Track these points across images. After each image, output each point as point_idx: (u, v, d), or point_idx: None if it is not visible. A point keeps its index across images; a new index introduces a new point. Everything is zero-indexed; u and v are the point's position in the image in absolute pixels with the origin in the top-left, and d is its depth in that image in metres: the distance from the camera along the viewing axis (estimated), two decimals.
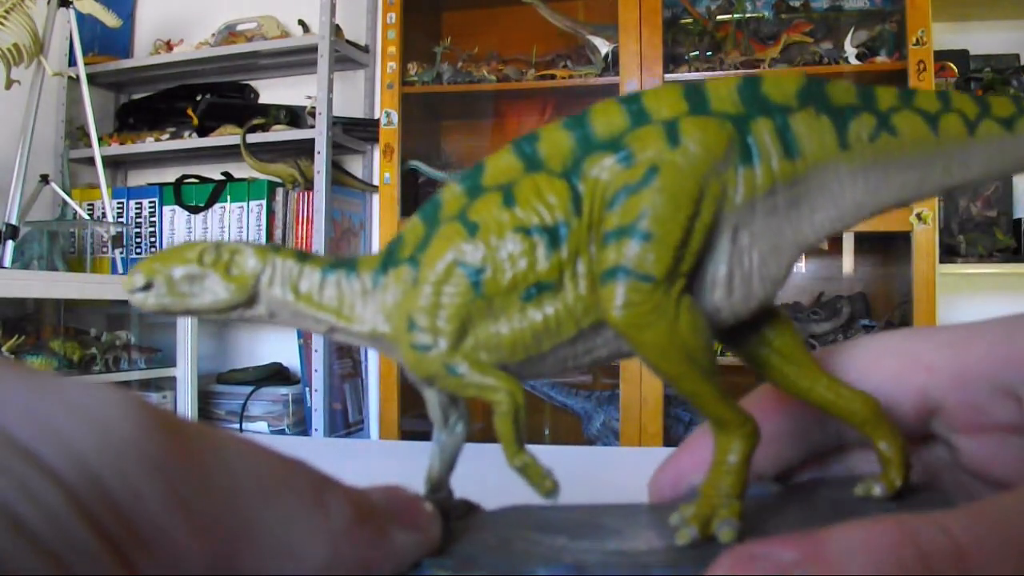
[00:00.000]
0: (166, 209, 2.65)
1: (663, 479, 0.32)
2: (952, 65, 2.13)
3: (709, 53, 2.20)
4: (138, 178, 2.88)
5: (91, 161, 2.39)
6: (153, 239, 2.64)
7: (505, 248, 0.26)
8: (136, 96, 2.89)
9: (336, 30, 2.43)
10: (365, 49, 2.60)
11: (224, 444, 0.20)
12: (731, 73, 2.12)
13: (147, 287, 0.28)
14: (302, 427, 2.43)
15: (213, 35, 2.63)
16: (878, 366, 0.30)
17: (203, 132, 2.59)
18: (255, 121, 2.51)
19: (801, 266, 2.28)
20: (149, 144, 2.65)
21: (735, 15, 2.22)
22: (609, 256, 0.25)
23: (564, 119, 0.27)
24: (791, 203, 0.27)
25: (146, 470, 0.18)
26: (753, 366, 0.29)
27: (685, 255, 0.25)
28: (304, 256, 0.29)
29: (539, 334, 0.26)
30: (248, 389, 2.45)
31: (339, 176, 2.50)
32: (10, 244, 2.19)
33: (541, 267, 0.26)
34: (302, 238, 2.46)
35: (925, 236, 1.98)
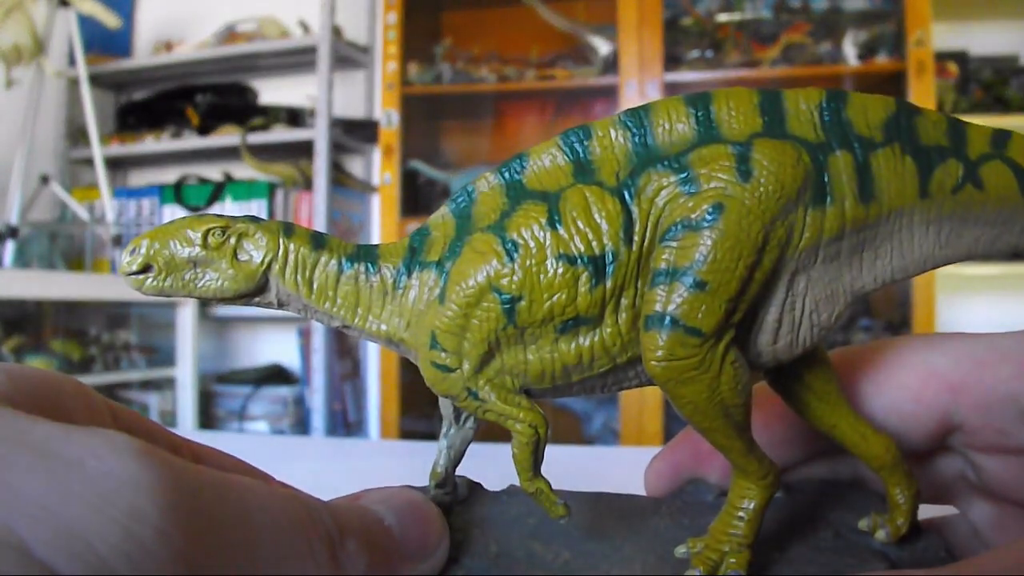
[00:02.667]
0: (166, 209, 2.65)
1: (660, 470, 0.31)
2: (952, 65, 2.13)
3: (709, 53, 2.20)
4: (138, 178, 2.88)
5: (91, 161, 2.39)
6: None
7: (545, 276, 0.24)
8: (136, 96, 2.89)
9: (336, 30, 2.43)
10: (365, 49, 2.60)
11: (242, 496, 0.19)
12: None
13: (145, 270, 0.26)
14: (302, 427, 2.43)
15: (213, 35, 2.63)
16: (899, 381, 0.28)
17: (203, 132, 2.59)
18: (255, 121, 2.51)
19: None
20: (149, 144, 2.65)
21: (735, 16, 2.22)
22: (657, 299, 0.23)
23: (622, 113, 0.25)
24: (855, 249, 0.25)
25: (170, 566, 0.16)
26: (780, 394, 0.28)
27: (739, 306, 0.23)
28: (320, 242, 0.26)
29: (569, 367, 0.25)
30: (248, 389, 2.45)
31: (339, 176, 2.50)
32: (10, 244, 2.19)
33: (582, 301, 0.24)
34: None
35: None
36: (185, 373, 2.30)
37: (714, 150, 0.23)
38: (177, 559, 0.17)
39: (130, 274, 0.26)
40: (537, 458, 0.25)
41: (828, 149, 0.24)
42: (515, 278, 0.24)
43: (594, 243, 0.24)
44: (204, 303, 2.36)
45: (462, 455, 0.28)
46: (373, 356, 2.49)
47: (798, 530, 0.28)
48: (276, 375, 2.54)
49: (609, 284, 0.24)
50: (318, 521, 0.21)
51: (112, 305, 2.41)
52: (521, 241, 0.24)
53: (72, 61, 2.43)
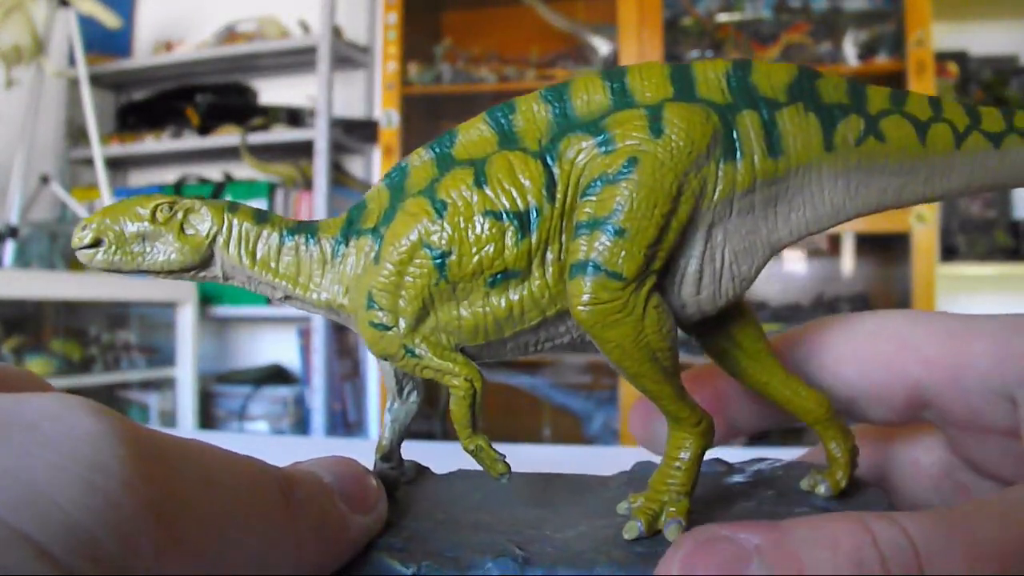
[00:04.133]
0: None
1: (638, 415, 0.32)
2: (952, 65, 2.13)
3: (709, 54, 2.20)
4: (138, 178, 2.88)
5: (91, 161, 2.39)
6: None
7: (473, 232, 0.25)
8: (136, 96, 2.89)
9: (336, 30, 2.43)
10: (365, 49, 2.60)
11: (202, 452, 0.20)
12: None
13: (96, 244, 0.27)
14: (302, 427, 2.43)
15: (213, 35, 2.63)
16: (873, 349, 0.29)
17: (203, 132, 2.59)
18: (255, 121, 2.51)
19: (801, 266, 2.28)
20: (149, 144, 2.65)
21: (735, 16, 2.22)
22: (579, 248, 0.24)
23: (543, 90, 0.26)
24: (768, 202, 0.26)
25: (138, 515, 0.17)
26: (711, 355, 0.29)
27: (658, 253, 0.25)
28: (263, 217, 0.28)
29: (501, 321, 0.26)
30: (248, 389, 2.45)
31: (339, 176, 2.50)
32: (10, 244, 2.19)
33: (509, 254, 0.25)
34: None
35: (925, 236, 1.98)
36: (185, 373, 2.30)
37: (628, 114, 0.25)
38: (144, 509, 0.17)
39: (80, 248, 0.27)
40: (475, 413, 0.26)
41: (736, 109, 0.26)
42: (444, 234, 0.25)
43: (519, 200, 0.25)
44: (205, 302, 2.36)
45: (407, 428, 0.29)
46: (373, 356, 2.49)
47: (740, 492, 0.28)
48: (276, 375, 2.54)
49: (534, 238, 0.25)
50: (270, 475, 0.22)
51: (112, 305, 2.41)
52: (449, 200, 0.25)
53: (72, 61, 2.43)
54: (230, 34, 2.60)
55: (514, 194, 0.25)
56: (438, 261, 0.25)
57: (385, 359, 0.27)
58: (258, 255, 0.27)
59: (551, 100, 0.26)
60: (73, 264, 2.52)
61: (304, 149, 2.43)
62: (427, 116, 2.53)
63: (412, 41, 2.33)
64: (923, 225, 1.97)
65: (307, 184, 2.49)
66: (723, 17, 2.23)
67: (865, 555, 0.19)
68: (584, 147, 0.25)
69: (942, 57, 2.10)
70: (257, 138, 2.48)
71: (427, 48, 2.36)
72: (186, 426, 2.23)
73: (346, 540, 0.23)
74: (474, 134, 0.26)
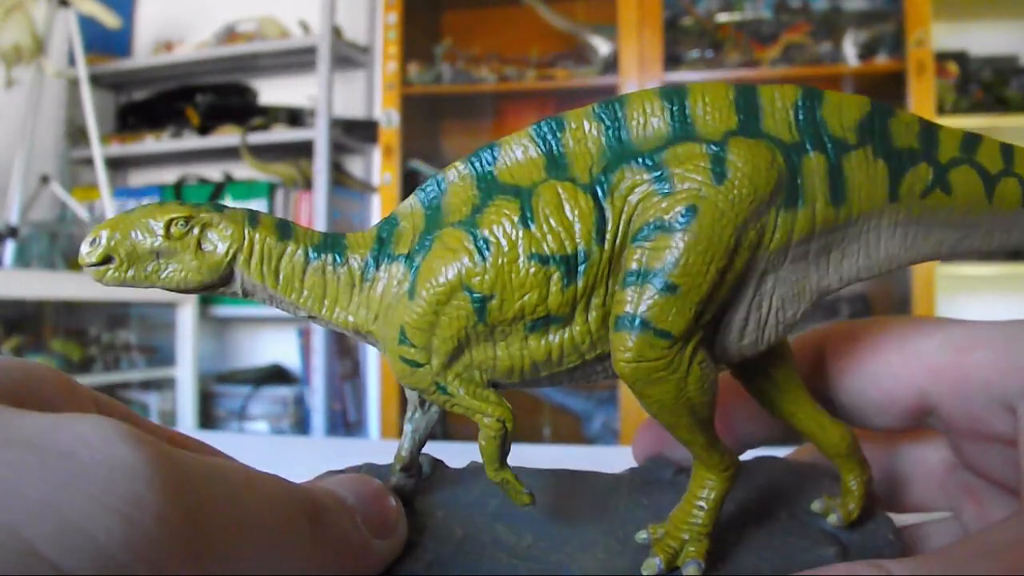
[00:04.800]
0: None
1: (643, 441, 0.32)
2: (952, 65, 2.13)
3: (709, 54, 2.20)
4: (139, 178, 2.88)
5: (91, 161, 2.39)
6: None
7: (517, 276, 0.23)
8: (136, 96, 2.89)
9: (336, 30, 2.42)
10: (365, 49, 2.60)
11: (229, 477, 0.20)
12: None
13: (106, 260, 0.25)
14: (302, 427, 2.43)
15: (213, 35, 2.63)
16: (880, 357, 0.29)
17: (203, 132, 2.59)
18: (255, 121, 2.51)
19: None
20: (149, 144, 2.65)
21: (735, 16, 2.22)
22: (627, 300, 0.23)
23: (596, 105, 0.24)
24: (823, 249, 0.25)
25: (171, 548, 0.17)
26: (742, 381, 0.29)
27: (709, 308, 0.23)
28: (287, 232, 0.26)
29: (539, 363, 0.25)
30: (248, 389, 2.45)
31: (339, 176, 2.50)
32: (10, 244, 2.19)
33: (553, 300, 0.24)
34: None
35: None
36: (185, 373, 2.30)
37: (689, 149, 0.23)
38: (177, 542, 0.17)
39: (90, 265, 0.25)
40: (503, 450, 0.25)
41: (802, 150, 0.24)
42: (487, 277, 0.24)
43: (566, 242, 0.23)
44: (205, 302, 2.36)
45: (426, 439, 0.28)
46: (373, 356, 2.49)
47: (755, 511, 0.28)
48: (276, 375, 2.54)
49: (581, 284, 0.24)
50: (297, 499, 0.21)
51: (112, 305, 2.41)
52: (493, 239, 0.24)
53: (72, 61, 2.43)
54: (230, 34, 2.60)
55: (562, 235, 0.23)
56: (478, 305, 0.24)
57: (415, 391, 0.26)
58: (281, 275, 0.25)
59: (604, 119, 0.24)
60: (73, 264, 2.52)
61: (304, 149, 2.42)
62: (427, 116, 2.53)
63: (412, 41, 2.32)
64: None
65: (307, 184, 2.49)
66: (723, 17, 2.22)
67: None
68: (639, 183, 0.23)
69: (942, 57, 2.10)
70: (257, 138, 2.48)
71: (427, 48, 2.36)
72: (186, 426, 2.23)
73: (366, 566, 0.23)
74: (519, 153, 0.24)
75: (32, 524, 0.15)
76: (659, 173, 0.23)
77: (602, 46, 2.23)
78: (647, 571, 0.24)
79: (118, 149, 2.66)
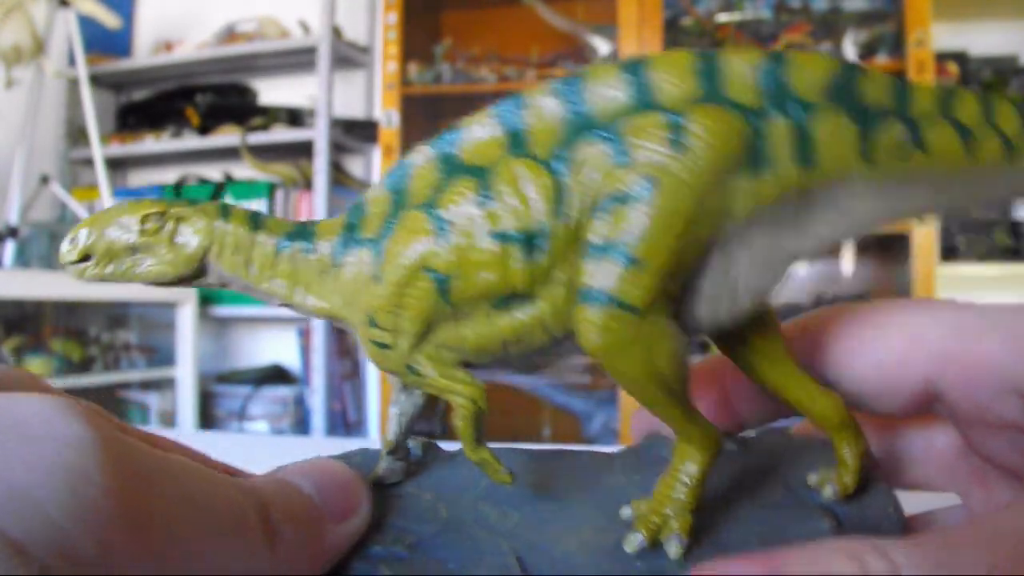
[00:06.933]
0: None
1: (641, 417, 0.32)
2: (952, 65, 2.13)
3: None
4: (138, 178, 2.88)
5: (91, 161, 2.39)
6: None
7: (477, 255, 0.24)
8: (136, 96, 2.89)
9: (336, 30, 2.43)
10: (365, 49, 2.60)
11: (180, 476, 0.20)
12: None
13: (85, 258, 0.26)
14: (302, 427, 2.43)
15: (213, 35, 2.63)
16: (883, 343, 0.28)
17: (203, 132, 2.59)
18: (255, 121, 2.51)
19: (801, 266, 2.28)
20: (149, 144, 2.65)
21: (735, 16, 2.22)
22: (590, 273, 0.23)
23: (557, 80, 0.24)
24: (793, 213, 0.24)
25: (116, 523, 0.17)
26: (728, 355, 0.28)
27: (673, 279, 0.23)
28: (257, 223, 0.26)
29: (507, 342, 0.25)
30: (248, 389, 2.45)
31: (339, 176, 2.50)
32: (10, 244, 2.19)
33: (515, 278, 0.24)
34: None
35: (925, 237, 1.98)
36: (185, 373, 2.30)
37: (648, 118, 0.23)
38: (122, 519, 0.17)
39: (70, 263, 0.26)
40: (478, 429, 0.25)
41: (766, 114, 0.23)
42: (447, 257, 0.24)
43: (526, 219, 0.23)
44: (205, 303, 2.36)
45: (414, 422, 0.28)
46: None
47: (748, 485, 0.28)
48: (276, 375, 2.54)
49: (541, 260, 0.23)
50: (249, 497, 0.21)
51: (112, 305, 2.41)
52: (451, 219, 0.24)
53: (72, 61, 2.43)
54: (230, 34, 2.60)
55: (521, 212, 0.23)
56: (440, 285, 0.24)
57: (389, 373, 0.27)
58: (254, 264, 0.26)
59: (564, 94, 0.24)
60: None
61: (304, 149, 2.43)
62: (427, 116, 2.53)
63: (412, 41, 2.32)
64: (923, 225, 1.97)
65: (307, 184, 2.49)
66: (723, 17, 2.22)
67: None
68: (598, 155, 0.23)
69: (942, 57, 2.10)
70: (257, 138, 2.48)
71: (427, 48, 2.36)
72: (186, 426, 2.23)
73: (323, 552, 0.23)
74: (481, 132, 0.24)
75: None
76: (618, 145, 0.23)
77: (602, 46, 2.23)
78: (629, 547, 0.24)
79: (118, 149, 2.66)
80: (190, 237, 0.26)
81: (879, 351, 0.28)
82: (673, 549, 0.24)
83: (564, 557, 0.24)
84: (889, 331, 0.28)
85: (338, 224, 0.26)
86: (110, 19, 2.28)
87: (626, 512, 0.26)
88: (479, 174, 0.24)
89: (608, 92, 0.23)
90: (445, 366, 0.25)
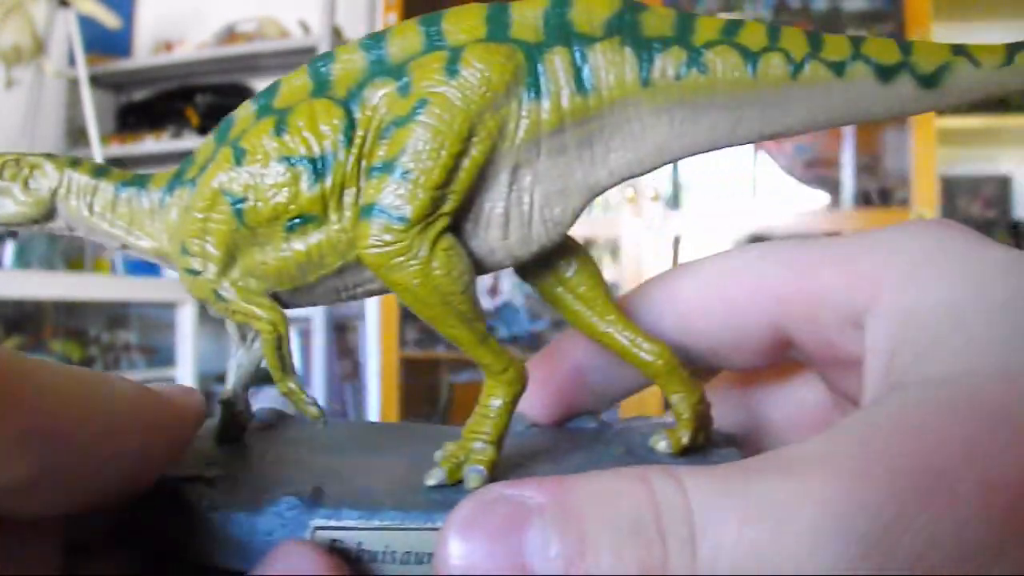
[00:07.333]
0: None
1: (539, 395, 0.30)
2: None
3: None
4: None
5: None
6: None
7: (267, 178, 0.26)
8: (136, 96, 2.89)
9: (336, 31, 2.43)
10: None
11: (71, 380, 0.20)
12: None
13: None
14: None
15: (213, 35, 2.63)
16: (722, 294, 0.28)
17: (203, 132, 2.59)
18: None
19: None
20: (149, 145, 2.65)
21: (735, 16, 2.22)
22: (369, 192, 0.25)
23: (364, 37, 0.26)
24: (582, 142, 0.25)
25: (9, 444, 0.17)
26: (549, 304, 0.28)
27: (448, 195, 0.24)
28: (101, 171, 0.30)
29: (303, 265, 0.26)
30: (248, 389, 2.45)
31: None
32: (10, 244, 2.19)
33: (303, 199, 0.25)
34: None
35: None
36: (185, 373, 2.30)
37: (432, 56, 0.25)
38: (14, 438, 0.17)
39: None
40: (283, 358, 0.27)
41: (545, 47, 0.25)
42: (241, 182, 0.26)
43: (314, 146, 0.25)
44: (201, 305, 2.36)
45: (252, 375, 0.30)
46: (373, 356, 2.49)
47: (587, 447, 0.28)
48: None
49: (328, 182, 0.25)
50: (149, 396, 0.22)
51: (112, 305, 2.41)
52: (248, 148, 0.26)
53: (72, 61, 2.43)
54: (230, 34, 2.60)
55: (311, 140, 0.25)
56: (236, 207, 0.26)
57: (203, 303, 0.28)
58: (96, 207, 0.29)
59: (369, 47, 0.26)
60: (73, 264, 2.52)
61: None
62: None
63: None
64: None
65: None
66: (723, 17, 2.23)
67: (643, 512, 0.18)
68: (386, 91, 0.25)
69: None
70: None
71: None
72: None
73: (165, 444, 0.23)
74: (295, 83, 0.27)
75: None
76: (404, 80, 0.25)
77: None
78: (429, 481, 0.24)
79: (118, 149, 2.66)
80: (42, 181, 0.29)
81: (719, 304, 0.28)
82: (472, 480, 0.24)
83: (363, 488, 0.24)
84: (726, 282, 0.28)
85: (171, 172, 0.29)
86: (110, 19, 2.28)
87: (438, 454, 0.25)
88: (281, 113, 0.26)
89: (405, 41, 0.26)
90: (248, 292, 0.27)
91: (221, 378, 2.53)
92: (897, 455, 0.18)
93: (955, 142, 2.15)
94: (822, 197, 2.13)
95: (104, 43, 2.69)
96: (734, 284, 0.27)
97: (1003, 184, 2.28)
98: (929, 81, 0.25)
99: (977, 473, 0.18)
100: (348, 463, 0.27)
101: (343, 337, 2.39)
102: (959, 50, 0.25)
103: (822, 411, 0.30)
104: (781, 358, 0.28)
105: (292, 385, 0.27)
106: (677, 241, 2.11)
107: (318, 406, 0.27)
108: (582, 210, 0.26)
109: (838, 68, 0.25)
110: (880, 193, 2.08)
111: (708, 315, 0.28)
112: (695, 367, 0.28)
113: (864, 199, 2.09)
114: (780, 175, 2.15)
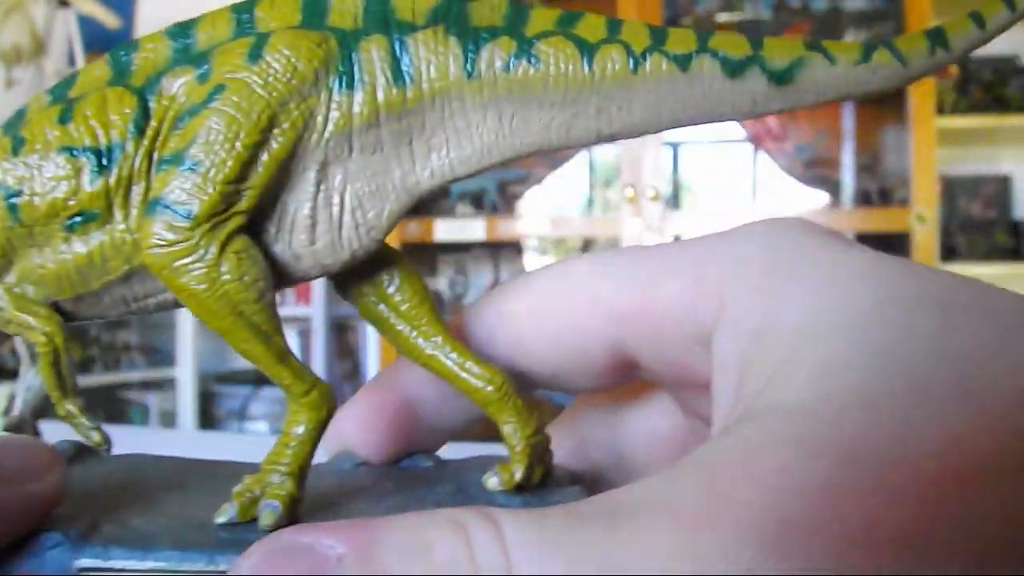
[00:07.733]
0: None
1: (366, 422, 0.27)
2: (952, 65, 2.13)
3: None
4: None
5: None
6: None
7: (46, 169, 0.23)
8: None
9: None
10: None
11: None
12: None
13: None
14: None
15: None
16: (559, 311, 0.25)
17: None
18: None
19: None
20: None
21: (735, 16, 2.22)
22: (155, 186, 0.22)
23: (173, 24, 0.24)
24: (400, 139, 0.23)
25: None
26: (371, 324, 0.26)
27: (243, 191, 0.22)
28: None
29: (84, 270, 0.24)
30: (248, 389, 2.45)
31: None
32: None
33: (84, 194, 0.23)
34: None
35: (925, 237, 1.98)
36: (185, 373, 2.30)
37: (237, 43, 0.23)
38: None
39: None
40: (61, 373, 0.25)
41: (362, 35, 0.23)
42: (16, 173, 0.23)
43: (100, 136, 0.23)
44: None
45: (44, 399, 0.27)
46: (373, 356, 2.49)
47: (413, 489, 0.25)
48: None
49: (113, 176, 0.23)
50: None
51: None
52: (28, 137, 0.23)
53: (72, 61, 2.43)
54: None
55: (97, 130, 0.23)
56: (10, 202, 0.23)
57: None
58: None
59: (175, 35, 0.24)
60: None
61: None
62: None
63: None
64: (923, 225, 1.97)
65: None
66: (723, 17, 2.23)
67: (459, 564, 0.16)
68: (186, 79, 0.23)
69: None
70: None
71: None
72: (186, 426, 2.23)
73: (23, 507, 0.20)
74: (95, 72, 0.24)
75: None
76: (204, 68, 0.23)
77: None
78: (219, 518, 0.22)
79: None
80: None
81: (553, 325, 0.25)
82: (267, 518, 0.22)
83: (141, 526, 0.21)
84: (560, 299, 0.25)
85: None
86: (110, 19, 2.28)
87: (239, 487, 0.23)
88: (69, 102, 0.24)
89: (215, 29, 0.24)
90: (24, 300, 0.24)
91: (220, 378, 2.55)
92: (743, 502, 0.16)
93: (955, 142, 2.15)
94: (822, 197, 2.13)
95: (104, 43, 2.69)
96: (567, 301, 0.25)
97: (1003, 184, 2.28)
98: (781, 78, 0.23)
99: (837, 526, 0.16)
100: (140, 499, 0.23)
101: (343, 337, 2.39)
102: (813, 46, 0.23)
103: (681, 435, 0.27)
104: (628, 379, 0.26)
105: (70, 407, 0.25)
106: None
107: (101, 431, 0.24)
108: (401, 214, 0.24)
109: (683, 62, 0.23)
110: (880, 193, 2.08)
111: (542, 336, 0.25)
112: (537, 391, 0.26)
113: (864, 199, 2.09)
114: (780, 175, 2.16)
